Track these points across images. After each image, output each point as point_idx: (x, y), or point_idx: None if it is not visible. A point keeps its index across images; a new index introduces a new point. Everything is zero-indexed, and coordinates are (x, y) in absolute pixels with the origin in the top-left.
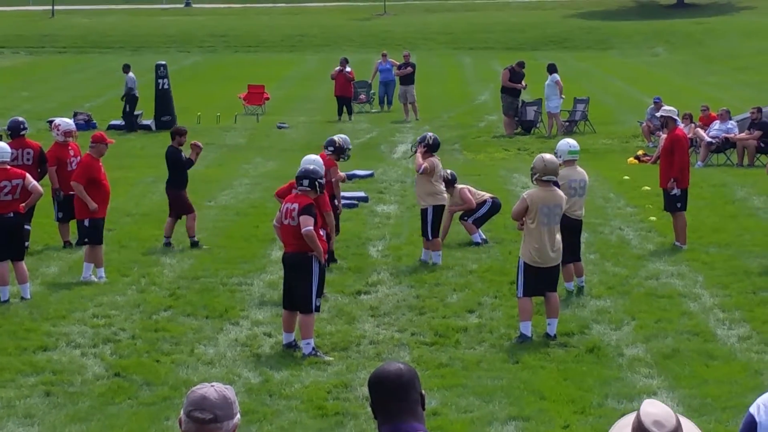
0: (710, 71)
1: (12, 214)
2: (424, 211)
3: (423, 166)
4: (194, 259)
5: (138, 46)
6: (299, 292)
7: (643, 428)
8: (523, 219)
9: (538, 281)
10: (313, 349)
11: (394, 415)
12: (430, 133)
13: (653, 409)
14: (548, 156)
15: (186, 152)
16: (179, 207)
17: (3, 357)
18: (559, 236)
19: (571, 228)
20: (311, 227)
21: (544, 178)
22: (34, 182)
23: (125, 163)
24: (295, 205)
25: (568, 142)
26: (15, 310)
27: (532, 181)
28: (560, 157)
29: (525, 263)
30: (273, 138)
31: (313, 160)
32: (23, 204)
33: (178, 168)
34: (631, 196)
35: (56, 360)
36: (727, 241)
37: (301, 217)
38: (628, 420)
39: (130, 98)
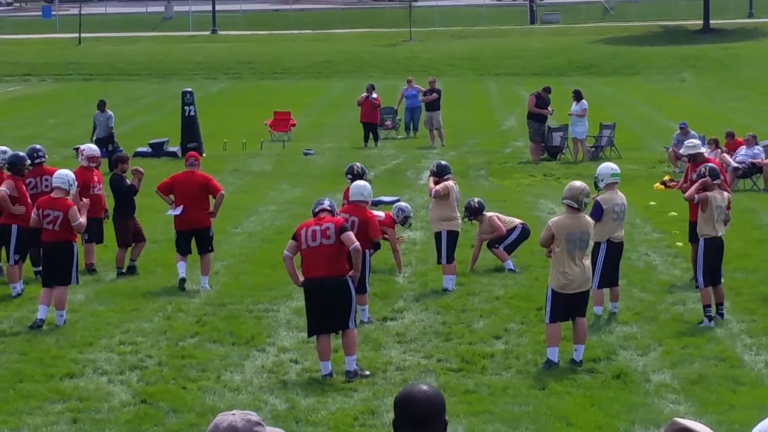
0: (737, 96)
1: (54, 242)
2: (437, 235)
3: (435, 190)
4: (220, 286)
5: (164, 74)
6: (339, 317)
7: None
8: (551, 246)
9: (566, 307)
10: (357, 366)
11: None
12: (440, 161)
13: (686, 421)
14: (576, 182)
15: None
16: (124, 236)
17: (30, 384)
18: (587, 261)
19: (614, 251)
20: (358, 243)
21: (565, 201)
22: (79, 219)
23: (151, 190)
24: (329, 225)
25: (610, 166)
26: (42, 338)
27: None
28: (602, 180)
29: (552, 290)
30: (299, 164)
31: (363, 186)
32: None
33: (122, 195)
34: (657, 222)
35: (83, 387)
36: (753, 266)
37: (344, 235)
38: None
39: (111, 137)
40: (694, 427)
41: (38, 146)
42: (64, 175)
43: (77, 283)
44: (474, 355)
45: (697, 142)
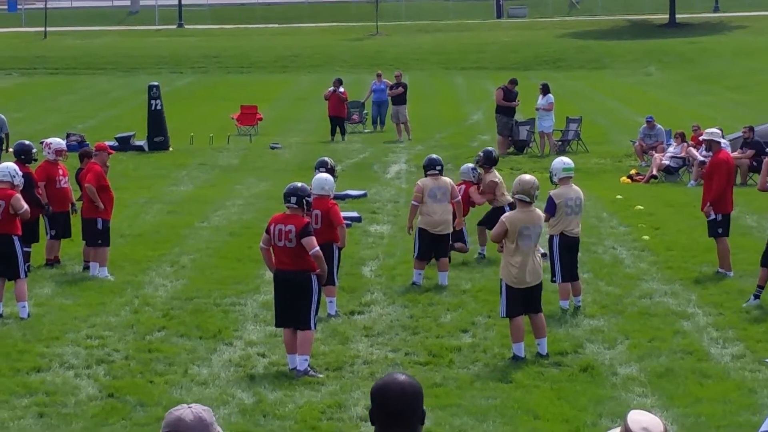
0: (703, 90)
1: None
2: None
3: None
4: (187, 280)
5: (131, 68)
6: (299, 312)
7: None
8: (503, 241)
9: (521, 302)
10: (309, 366)
11: (392, 428)
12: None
13: (640, 416)
14: (526, 176)
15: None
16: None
17: None
18: (539, 255)
19: (569, 246)
20: (318, 248)
21: (516, 196)
22: (25, 207)
23: (118, 184)
24: (291, 227)
25: (562, 160)
26: (8, 332)
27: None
28: (555, 175)
29: (506, 284)
30: (266, 158)
31: (325, 179)
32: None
33: None
34: (624, 216)
35: (50, 381)
36: None
37: (305, 240)
38: None
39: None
40: (649, 426)
41: (28, 142)
42: (4, 167)
43: (25, 276)
44: (441, 348)
45: (716, 130)
